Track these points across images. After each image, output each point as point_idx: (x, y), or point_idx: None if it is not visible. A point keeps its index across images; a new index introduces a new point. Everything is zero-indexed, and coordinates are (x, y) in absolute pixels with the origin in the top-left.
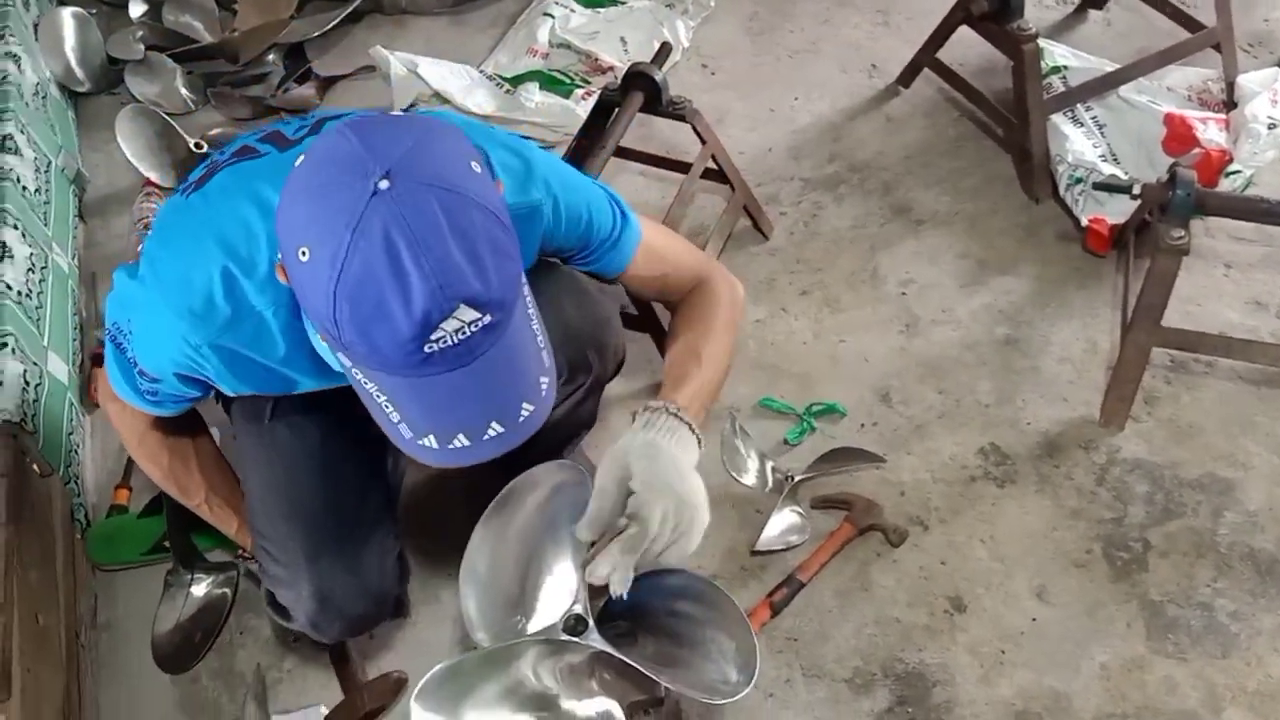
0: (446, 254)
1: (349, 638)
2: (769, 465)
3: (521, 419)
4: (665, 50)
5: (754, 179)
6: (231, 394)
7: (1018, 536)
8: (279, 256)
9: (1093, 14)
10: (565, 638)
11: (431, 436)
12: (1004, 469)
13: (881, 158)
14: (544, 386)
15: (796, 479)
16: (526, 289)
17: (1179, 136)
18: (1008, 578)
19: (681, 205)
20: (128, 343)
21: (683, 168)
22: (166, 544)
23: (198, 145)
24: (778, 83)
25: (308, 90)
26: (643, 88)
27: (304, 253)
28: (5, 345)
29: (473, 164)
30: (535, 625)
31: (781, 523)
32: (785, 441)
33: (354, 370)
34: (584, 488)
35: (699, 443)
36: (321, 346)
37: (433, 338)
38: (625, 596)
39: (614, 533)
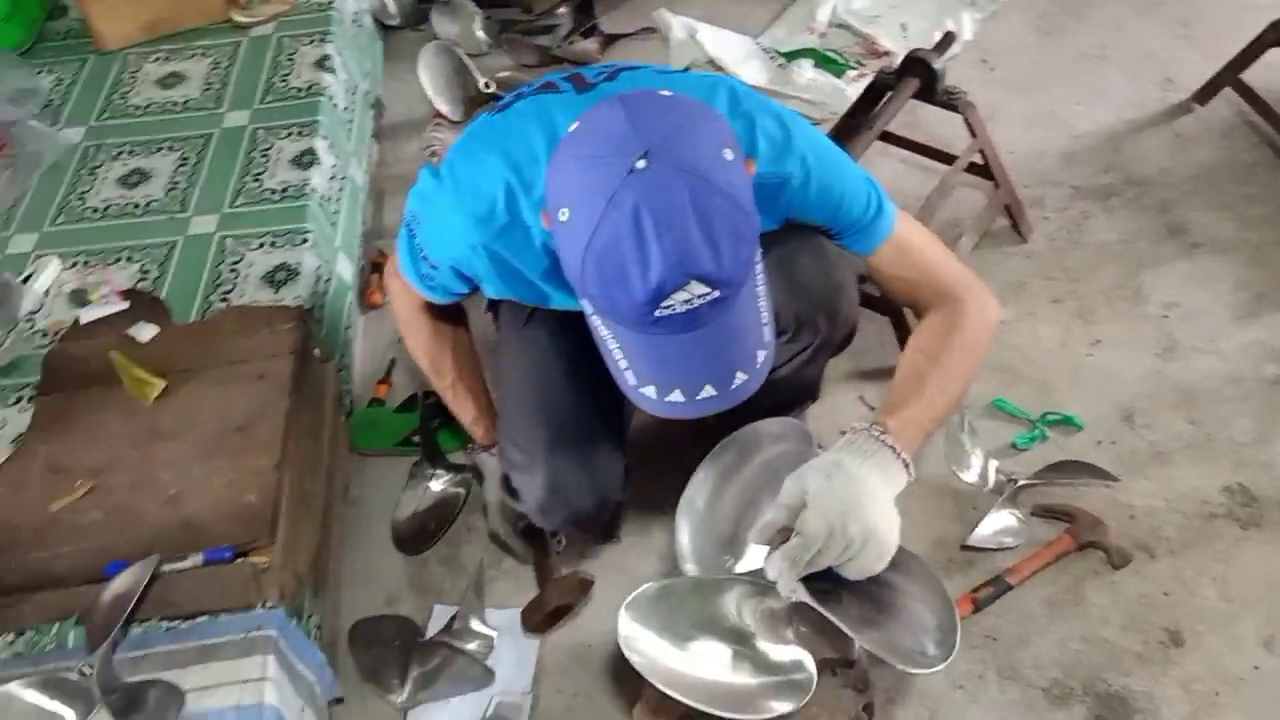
0: (686, 235)
1: (569, 529)
2: (993, 465)
3: (734, 386)
4: (948, 39)
5: (1020, 179)
6: (494, 295)
7: (1254, 581)
8: (545, 210)
9: None
10: (769, 581)
11: (652, 387)
12: (1249, 511)
13: (1163, 174)
14: (760, 359)
15: (1020, 483)
16: (760, 266)
17: None
18: (1235, 620)
19: (941, 196)
20: (419, 230)
21: (947, 159)
22: (416, 439)
23: (487, 85)
24: (1060, 85)
25: (591, 45)
26: (919, 74)
27: (564, 214)
28: (306, 240)
29: (725, 151)
30: (744, 568)
31: (997, 523)
32: (1013, 445)
33: (593, 315)
34: (808, 448)
35: (906, 467)
36: None
37: (663, 304)
38: (794, 598)
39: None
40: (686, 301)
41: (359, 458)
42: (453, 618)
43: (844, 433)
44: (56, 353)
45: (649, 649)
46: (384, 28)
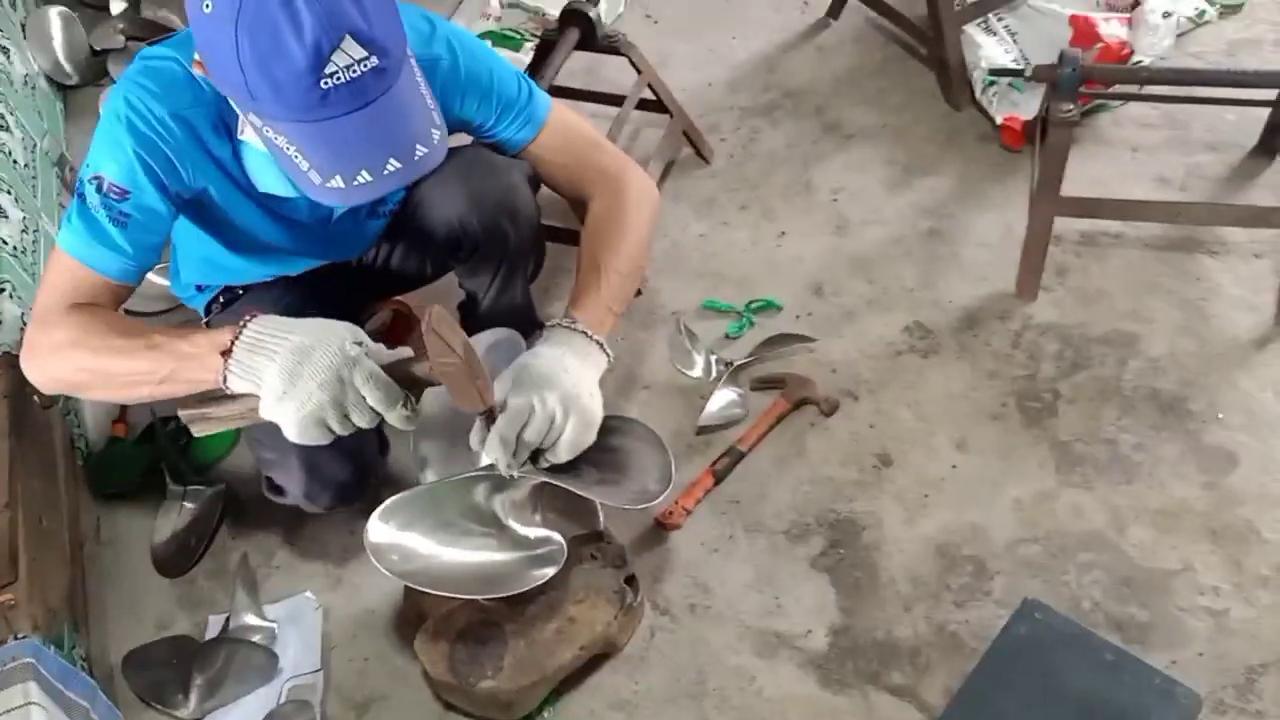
0: None
1: (339, 505)
2: (713, 358)
3: (417, 157)
4: None
5: (695, 112)
6: (194, 187)
7: (940, 399)
8: (195, 53)
9: None
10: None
11: (338, 177)
12: (927, 342)
13: (813, 83)
14: (436, 136)
15: (736, 363)
16: (414, 61)
17: (1084, 35)
18: (930, 434)
19: (619, 127)
20: (87, 168)
21: (624, 102)
22: (161, 464)
23: None
24: (716, 26)
25: None
26: (578, 24)
27: (207, 5)
28: (3, 290)
29: None
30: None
31: (721, 400)
32: (727, 336)
33: (265, 130)
34: (517, 345)
35: (601, 348)
36: (249, 151)
37: (327, 71)
38: (515, 476)
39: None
40: (349, 68)
41: (108, 500)
42: (226, 619)
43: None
44: None
45: (402, 555)
46: (62, 88)
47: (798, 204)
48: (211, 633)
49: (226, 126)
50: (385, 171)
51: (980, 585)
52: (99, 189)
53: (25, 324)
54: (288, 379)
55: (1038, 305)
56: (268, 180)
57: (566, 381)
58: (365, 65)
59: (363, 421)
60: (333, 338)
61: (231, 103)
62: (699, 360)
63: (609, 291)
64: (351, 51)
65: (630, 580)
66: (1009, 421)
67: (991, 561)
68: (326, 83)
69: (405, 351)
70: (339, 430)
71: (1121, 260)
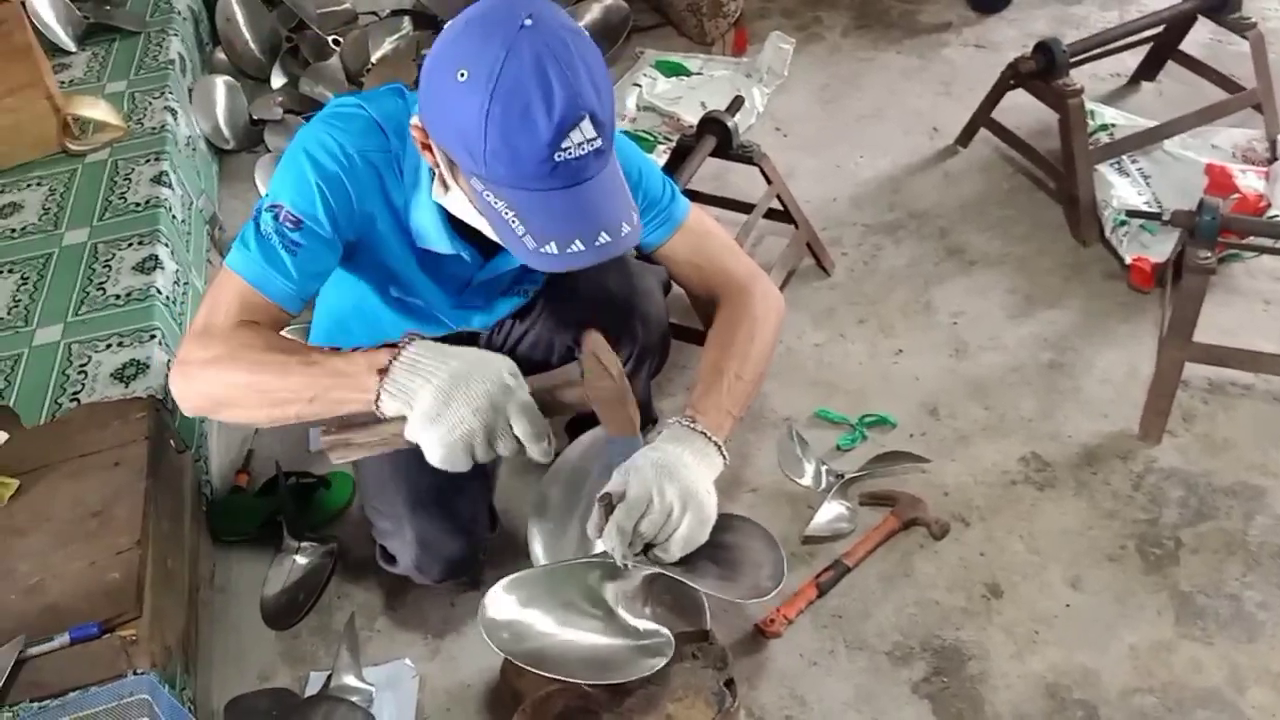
0: (577, 75)
1: (448, 578)
2: (823, 468)
3: (623, 233)
4: (738, 102)
5: (819, 224)
6: (358, 234)
7: (1054, 534)
8: (415, 116)
9: (1145, 85)
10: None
11: (553, 243)
12: (1044, 475)
13: (938, 207)
14: (634, 217)
15: (847, 476)
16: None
17: (1220, 185)
18: (1043, 569)
19: (746, 234)
20: (267, 196)
21: (752, 210)
22: (278, 518)
23: None
24: (844, 143)
25: None
26: (715, 132)
27: (463, 74)
28: (154, 337)
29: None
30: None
31: (830, 513)
32: (838, 448)
33: (486, 193)
34: (636, 442)
35: (718, 449)
36: (423, 208)
37: (562, 146)
38: (629, 566)
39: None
40: (580, 145)
41: (224, 546)
42: (328, 677)
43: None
44: None
45: (514, 634)
46: (220, 152)
47: (916, 323)
48: (312, 689)
49: (403, 177)
50: (597, 244)
51: None
52: (276, 217)
53: (170, 369)
54: (443, 401)
55: (1161, 449)
56: (430, 236)
57: (686, 477)
58: (592, 145)
59: (506, 451)
60: (490, 367)
61: (443, 165)
62: (809, 469)
63: (730, 396)
64: (585, 131)
65: (730, 684)
66: (1127, 565)
67: (1103, 708)
68: (559, 156)
69: (560, 375)
70: (481, 458)
71: (1250, 412)
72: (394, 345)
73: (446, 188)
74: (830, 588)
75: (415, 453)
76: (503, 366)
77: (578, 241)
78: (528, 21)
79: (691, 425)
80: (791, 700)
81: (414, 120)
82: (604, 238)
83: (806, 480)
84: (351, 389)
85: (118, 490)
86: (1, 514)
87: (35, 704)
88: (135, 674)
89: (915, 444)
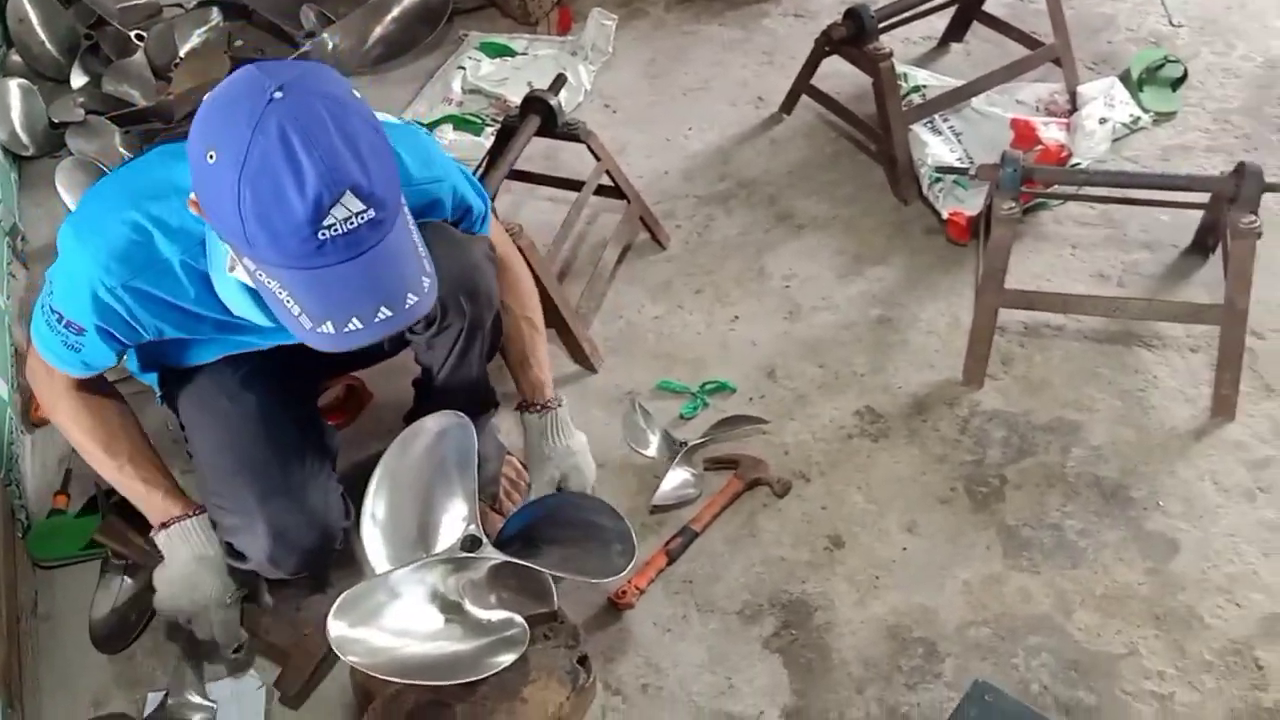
0: (333, 147)
1: (303, 572)
2: (666, 437)
3: (407, 306)
4: (560, 80)
5: (652, 199)
6: (152, 337)
7: (890, 482)
8: (191, 192)
9: (954, 46)
10: (462, 554)
11: (329, 323)
12: (878, 426)
13: (767, 175)
14: (426, 284)
15: (690, 444)
16: (408, 209)
17: (1025, 138)
18: (881, 517)
19: (577, 211)
20: (56, 292)
21: (583, 187)
22: (100, 538)
23: None
24: (673, 118)
25: None
26: (538, 111)
27: (211, 155)
28: None
29: (354, 91)
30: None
31: (675, 480)
32: (681, 416)
33: (258, 273)
34: (467, 430)
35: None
36: (226, 282)
37: (325, 224)
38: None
39: None
40: (347, 220)
41: (45, 572)
42: (164, 695)
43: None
44: None
45: (364, 647)
46: (17, 159)
47: (751, 289)
48: (149, 711)
49: (193, 267)
50: (376, 319)
51: (931, 667)
52: (59, 320)
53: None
54: (168, 582)
55: (984, 393)
56: (241, 308)
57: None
58: (362, 218)
59: (201, 635)
60: (200, 591)
61: (225, 244)
62: (653, 440)
63: (543, 355)
64: (350, 205)
65: (583, 660)
66: (957, 506)
67: (942, 644)
68: (324, 234)
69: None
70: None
71: (1063, 352)
72: (185, 510)
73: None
74: (679, 554)
75: (252, 440)
76: (213, 594)
77: (356, 320)
78: (277, 94)
79: (558, 408)
80: (648, 669)
81: (191, 196)
82: (384, 313)
83: (651, 451)
84: (146, 511)
85: None
86: None
87: None
88: None
89: (755, 407)
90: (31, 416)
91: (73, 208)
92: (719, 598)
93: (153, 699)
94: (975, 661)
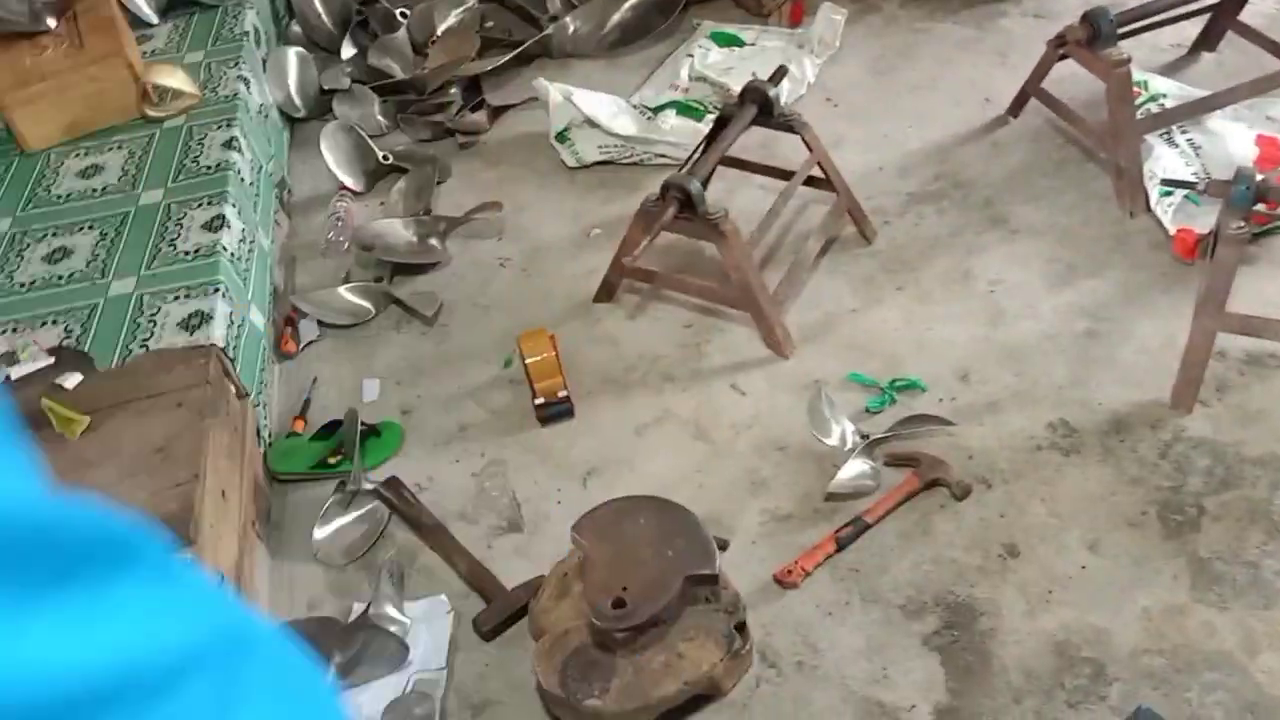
0: None
1: None
2: (850, 428)
3: None
4: (781, 72)
5: (863, 193)
6: None
7: (1076, 498)
8: None
9: (1205, 55)
10: None
11: None
12: (1070, 440)
13: (985, 177)
14: None
15: (872, 437)
16: None
17: (1271, 157)
18: (1062, 531)
19: (784, 201)
20: None
21: (792, 177)
22: (332, 462)
23: (385, 158)
24: (894, 114)
25: (480, 117)
26: (756, 100)
27: None
28: (218, 291)
29: None
30: None
31: (853, 470)
32: (867, 410)
33: None
34: None
35: None
36: None
37: None
38: None
39: None
40: None
41: (280, 486)
42: (368, 605)
43: None
44: None
45: None
46: (291, 120)
47: (954, 291)
48: (353, 617)
49: None
50: None
51: (1096, 689)
52: None
53: (232, 322)
54: None
55: (1192, 419)
56: None
57: None
58: None
59: None
60: None
61: None
62: (836, 429)
63: None
64: None
65: (741, 627)
66: (1147, 530)
67: (1112, 667)
68: None
69: None
70: None
71: None
72: None
73: None
74: (849, 543)
75: None
76: None
77: None
78: None
79: None
80: (804, 647)
81: None
82: None
83: (833, 440)
84: None
85: (179, 429)
86: (73, 447)
87: None
88: None
89: (944, 408)
90: (280, 348)
91: (334, 168)
92: (884, 589)
93: (358, 608)
94: (1145, 690)
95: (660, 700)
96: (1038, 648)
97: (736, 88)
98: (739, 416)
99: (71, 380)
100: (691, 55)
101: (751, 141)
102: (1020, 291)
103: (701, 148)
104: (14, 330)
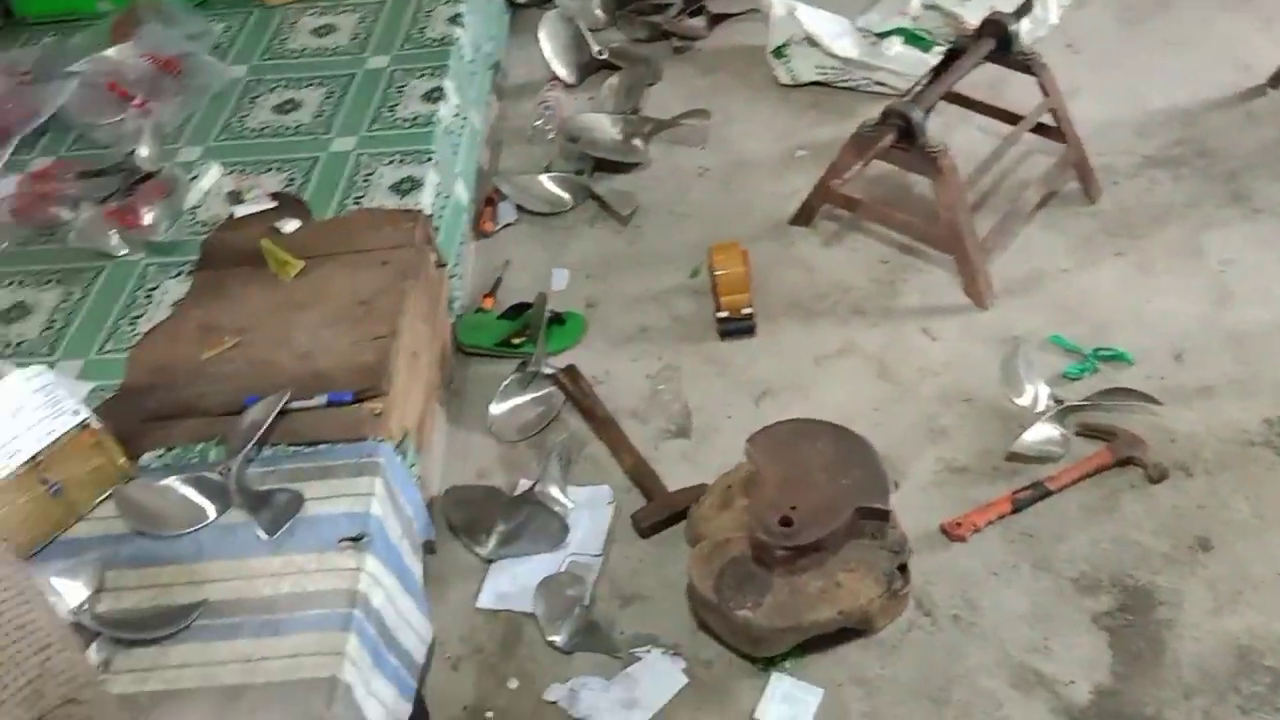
0: None
1: None
2: (1044, 391)
3: None
4: (1026, 6)
5: (1094, 148)
6: None
7: None
8: None
9: None
10: None
11: None
12: None
13: (1233, 148)
14: None
15: (1067, 404)
16: None
17: None
18: (1265, 532)
19: (1008, 145)
20: None
21: (1020, 121)
22: (515, 342)
23: (600, 53)
24: (1140, 69)
25: (698, 22)
26: (995, 34)
27: None
28: (430, 159)
29: None
30: None
31: (1041, 434)
32: (1065, 375)
33: None
34: None
35: None
36: None
37: None
38: None
39: None
40: None
41: (462, 358)
42: (535, 483)
43: None
44: (213, 239)
45: None
46: (513, 4)
47: (1180, 265)
48: (518, 492)
49: None
50: None
51: (1274, 699)
52: None
53: (439, 194)
54: None
55: None
56: None
57: None
58: None
59: None
60: None
61: None
62: (1029, 390)
63: None
64: None
65: (903, 569)
66: None
67: None
68: None
69: None
70: None
71: None
72: None
73: None
74: (1026, 506)
75: None
76: None
77: None
78: None
79: None
80: (963, 603)
81: None
82: None
83: (1024, 400)
84: None
85: (382, 286)
86: (286, 288)
87: (290, 447)
88: (375, 440)
89: (1150, 385)
90: (479, 226)
91: (551, 60)
92: (1057, 560)
93: (523, 484)
94: None
95: (811, 624)
96: (1217, 647)
97: (971, 20)
98: (926, 361)
99: (289, 226)
100: None
101: (978, 79)
102: (1255, 275)
103: (928, 78)
104: (241, 171)
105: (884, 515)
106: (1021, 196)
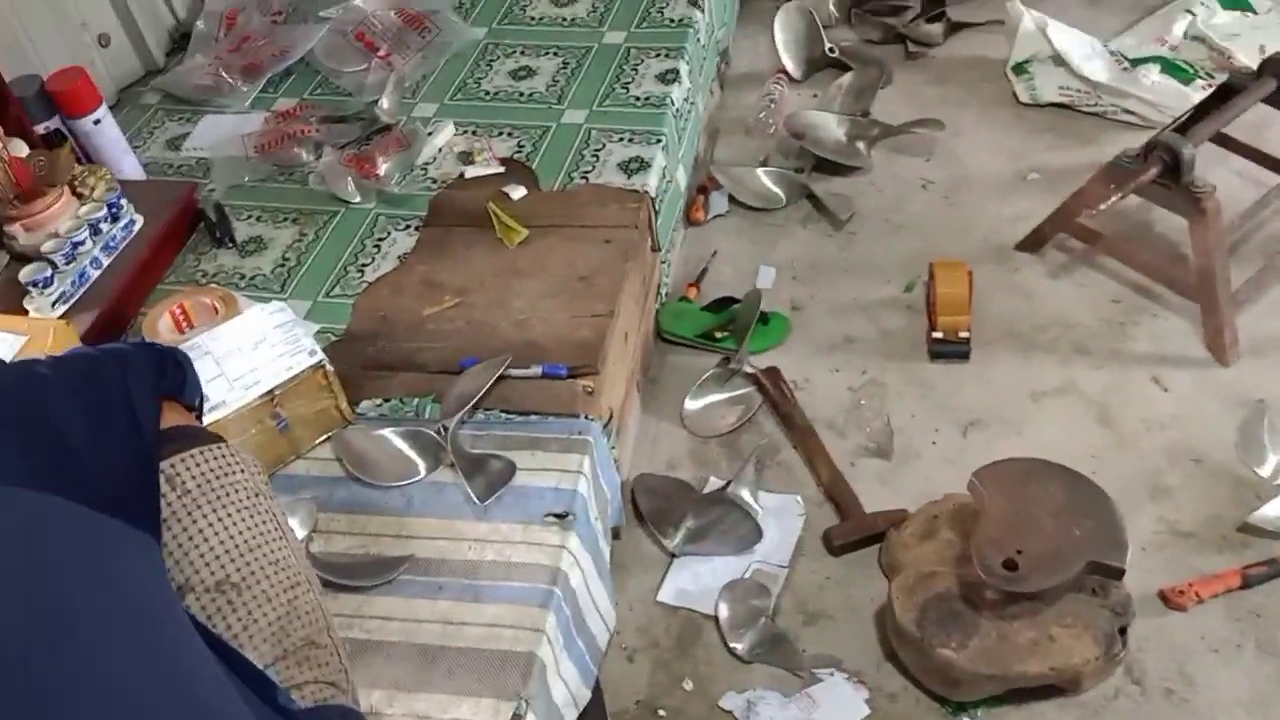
0: None
1: None
2: None
3: None
4: None
5: None
6: None
7: None
8: None
9: None
10: None
11: None
12: None
13: None
14: None
15: None
16: None
17: None
18: None
19: (1261, 206)
20: None
21: None
22: (717, 336)
23: (831, 50)
24: None
25: (935, 29)
26: (1276, 74)
27: None
28: (659, 141)
29: None
30: None
31: None
32: None
33: None
34: None
35: None
36: None
37: None
38: None
39: None
40: None
41: (661, 345)
42: (727, 483)
43: None
44: (442, 196)
45: None
46: None
47: None
48: (707, 490)
49: None
50: None
51: None
52: None
53: (662, 176)
54: None
55: None
56: None
57: None
58: None
59: None
60: None
61: None
62: (1271, 459)
63: None
64: None
65: (1123, 631)
66: None
67: None
68: None
69: None
70: None
71: None
72: None
73: None
74: (1258, 583)
75: None
76: None
77: None
78: None
79: None
80: (1178, 676)
81: None
82: None
83: (1264, 470)
84: None
85: (603, 263)
86: (509, 255)
87: (503, 414)
88: (586, 418)
89: None
90: (690, 214)
91: (781, 51)
92: None
93: (714, 483)
94: None
95: (1018, 676)
96: None
97: (1240, 56)
98: (1154, 413)
99: (517, 192)
100: (1193, 13)
101: (1242, 120)
102: None
103: (1192, 113)
104: (474, 133)
105: (1118, 574)
106: (1274, 259)
